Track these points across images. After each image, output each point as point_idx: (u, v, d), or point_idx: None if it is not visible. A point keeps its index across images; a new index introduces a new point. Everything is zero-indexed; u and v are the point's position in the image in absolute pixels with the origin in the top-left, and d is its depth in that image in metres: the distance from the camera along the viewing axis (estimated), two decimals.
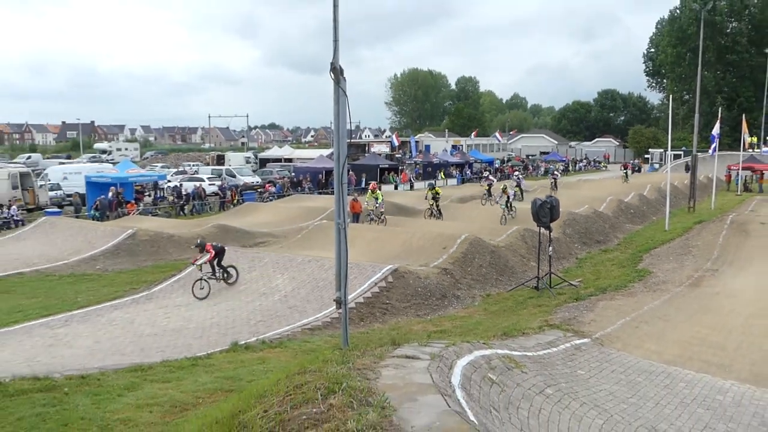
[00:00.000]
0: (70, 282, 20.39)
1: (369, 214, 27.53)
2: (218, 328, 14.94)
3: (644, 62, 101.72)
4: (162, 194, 42.09)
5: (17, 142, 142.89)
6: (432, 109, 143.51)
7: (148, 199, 39.75)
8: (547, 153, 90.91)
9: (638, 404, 8.37)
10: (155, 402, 8.32)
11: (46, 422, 7.48)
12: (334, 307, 14.37)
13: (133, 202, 36.75)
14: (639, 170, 65.73)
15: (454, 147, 77.45)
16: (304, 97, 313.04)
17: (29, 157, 71.37)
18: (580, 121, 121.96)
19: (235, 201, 40.40)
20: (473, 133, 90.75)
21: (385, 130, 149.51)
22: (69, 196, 38.00)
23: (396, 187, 49.25)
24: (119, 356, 12.45)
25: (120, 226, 27.39)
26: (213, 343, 13.24)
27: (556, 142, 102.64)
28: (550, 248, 17.98)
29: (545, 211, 16.99)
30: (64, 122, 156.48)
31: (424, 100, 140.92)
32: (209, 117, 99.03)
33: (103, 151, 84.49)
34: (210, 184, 43.67)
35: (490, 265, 19.63)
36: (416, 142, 74.57)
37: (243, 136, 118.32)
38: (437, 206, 29.38)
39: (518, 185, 36.98)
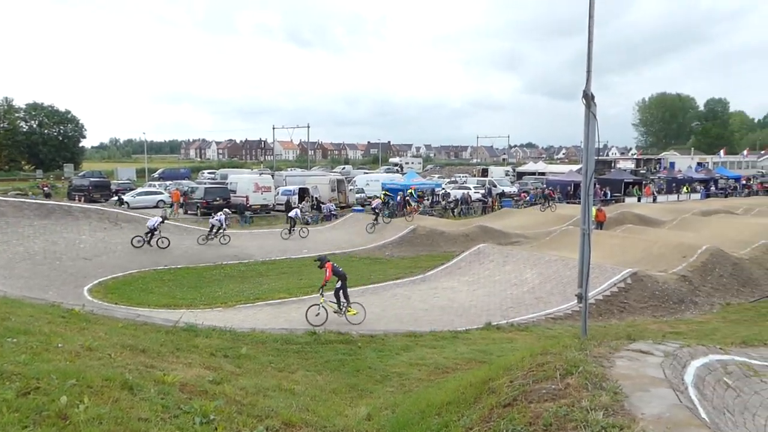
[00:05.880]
0: (366, 263, 22.21)
1: None
2: (476, 309, 15.12)
3: None
4: (437, 199, 43.66)
5: (336, 156, 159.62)
6: (678, 129, 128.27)
7: (426, 203, 41.59)
8: None
9: None
10: (423, 363, 8.69)
11: (344, 366, 8.23)
12: (576, 301, 13.80)
13: (416, 204, 38.73)
14: None
15: (699, 164, 68.40)
16: (557, 119, 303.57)
17: (344, 168, 79.15)
18: None
19: (495, 207, 40.50)
20: (722, 150, 79.53)
21: (630, 149, 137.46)
22: (370, 198, 41.36)
23: (639, 200, 45.17)
24: (398, 323, 13.23)
25: (404, 222, 29.13)
26: (471, 321, 13.44)
27: None
28: None
29: None
30: (369, 142, 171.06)
31: (670, 121, 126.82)
32: (477, 138, 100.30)
33: (395, 164, 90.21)
34: (475, 192, 44.45)
35: (731, 276, 17.16)
36: (660, 159, 67.36)
37: (504, 153, 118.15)
38: None
39: None
